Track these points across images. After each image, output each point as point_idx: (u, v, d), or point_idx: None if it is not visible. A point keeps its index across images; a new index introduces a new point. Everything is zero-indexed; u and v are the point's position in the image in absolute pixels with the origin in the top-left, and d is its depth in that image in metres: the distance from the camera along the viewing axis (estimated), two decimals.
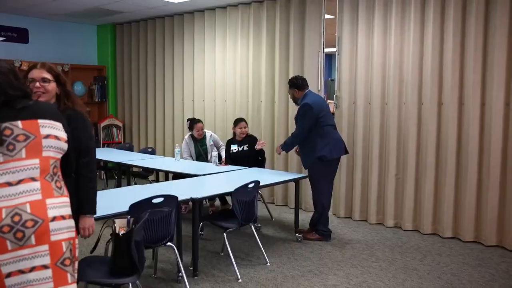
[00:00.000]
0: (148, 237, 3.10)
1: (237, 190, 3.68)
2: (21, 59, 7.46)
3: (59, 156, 1.86)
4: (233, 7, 6.53)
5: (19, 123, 1.74)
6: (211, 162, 5.43)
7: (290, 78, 4.94)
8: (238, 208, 3.71)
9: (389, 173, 5.22)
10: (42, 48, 7.87)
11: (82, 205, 2.30)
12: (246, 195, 3.76)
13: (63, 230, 1.74)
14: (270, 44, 6.17)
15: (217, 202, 5.80)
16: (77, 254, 1.89)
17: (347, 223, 5.42)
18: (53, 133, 1.82)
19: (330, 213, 5.68)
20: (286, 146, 4.84)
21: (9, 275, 1.64)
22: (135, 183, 6.30)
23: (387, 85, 5.22)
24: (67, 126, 1.92)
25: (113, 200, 3.50)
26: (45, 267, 1.67)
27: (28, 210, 1.66)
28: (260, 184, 3.98)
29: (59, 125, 1.86)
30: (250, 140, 5.55)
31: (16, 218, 1.64)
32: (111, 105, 8.62)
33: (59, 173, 1.86)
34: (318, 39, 5.79)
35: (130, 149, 6.85)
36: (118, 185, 5.68)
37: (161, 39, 7.61)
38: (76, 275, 1.83)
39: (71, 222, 1.82)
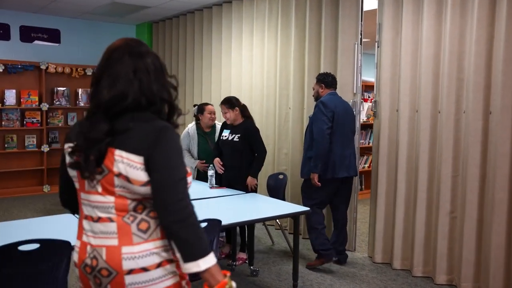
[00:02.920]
0: None
1: None
2: (52, 61, 7.04)
3: (140, 197, 1.43)
4: None
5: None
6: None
7: (320, 72, 4.22)
8: None
9: (441, 209, 3.74)
10: (75, 49, 7.42)
11: None
12: None
13: (145, 283, 1.40)
14: (300, 38, 4.95)
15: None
16: None
17: (383, 272, 4.01)
18: (124, 171, 1.39)
19: (365, 254, 4.44)
20: (314, 165, 3.87)
21: None
22: None
23: (440, 87, 3.76)
24: (156, 156, 1.39)
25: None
26: None
27: (104, 257, 1.42)
28: (225, 222, 2.84)
29: (136, 160, 1.38)
30: (245, 130, 4.08)
31: (94, 262, 1.44)
32: None
33: (149, 210, 1.44)
34: (355, 27, 4.46)
35: None
36: None
37: (191, 37, 6.74)
38: None
39: (161, 272, 1.42)
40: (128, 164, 1.38)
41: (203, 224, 2.66)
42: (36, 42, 7.10)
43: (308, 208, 3.52)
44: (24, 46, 7.01)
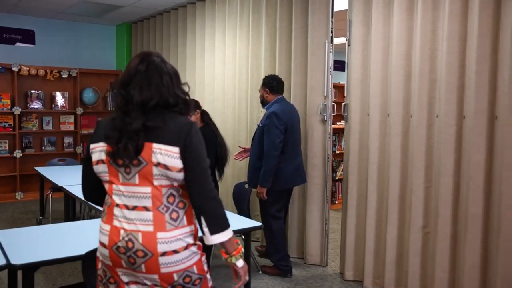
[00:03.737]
0: None
1: (90, 254, 2.25)
2: (27, 63, 6.78)
3: (174, 183, 1.67)
4: None
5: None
6: None
7: (266, 75, 4.06)
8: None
9: (413, 223, 3.39)
10: (50, 50, 7.14)
11: None
12: None
13: (175, 263, 1.64)
14: (271, 36, 4.62)
15: None
16: (205, 269, 1.74)
17: None
18: (162, 161, 1.62)
19: (337, 270, 4.08)
20: (264, 179, 3.75)
21: (128, 283, 1.71)
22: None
23: (412, 88, 3.41)
24: (189, 146, 1.65)
25: None
26: (157, 286, 1.68)
27: (140, 240, 1.63)
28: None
29: (174, 150, 1.63)
30: (205, 132, 3.65)
31: (130, 244, 1.63)
32: None
33: (178, 201, 1.69)
34: (325, 24, 4.13)
35: None
36: (66, 217, 4.51)
37: (167, 37, 6.44)
38: None
39: (188, 252, 1.67)
40: (167, 154, 1.61)
41: None
42: (9, 43, 6.85)
43: (260, 224, 3.18)
44: None
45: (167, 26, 6.43)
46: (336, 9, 4.12)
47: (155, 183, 1.63)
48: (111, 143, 1.64)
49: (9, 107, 6.67)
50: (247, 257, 3.14)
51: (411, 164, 3.40)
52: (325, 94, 4.15)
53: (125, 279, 1.70)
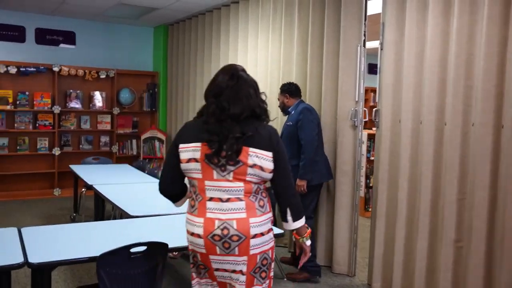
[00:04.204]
0: None
1: (103, 256, 2.24)
2: (68, 64, 6.99)
3: (261, 181, 1.93)
4: None
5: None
6: None
7: (282, 84, 4.16)
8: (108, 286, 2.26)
9: (444, 237, 3.22)
10: (90, 51, 7.32)
11: None
12: (125, 266, 2.29)
13: (260, 245, 1.91)
14: (302, 39, 4.54)
15: None
16: (273, 256, 2.02)
17: None
18: (258, 163, 1.88)
19: (365, 281, 3.98)
20: (305, 172, 3.72)
21: (217, 269, 1.96)
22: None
23: (447, 95, 3.25)
24: (279, 151, 1.93)
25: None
26: (242, 272, 1.92)
27: (235, 226, 1.88)
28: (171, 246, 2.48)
29: (268, 154, 1.90)
30: None
31: (225, 232, 1.88)
32: (162, 116, 7.73)
33: (261, 191, 1.96)
34: (357, 27, 4.00)
35: (142, 167, 5.77)
36: (96, 216, 4.57)
37: (202, 39, 6.48)
38: (265, 278, 1.98)
39: (269, 236, 1.95)
40: (262, 158, 1.87)
41: (143, 248, 2.34)
42: (51, 44, 7.07)
43: (282, 231, 3.10)
44: (39, 49, 6.98)
45: (201, 28, 6.46)
46: (369, 12, 3.99)
47: (247, 179, 1.88)
48: (213, 147, 1.86)
49: (49, 106, 6.88)
50: None
51: (444, 175, 3.24)
52: (357, 99, 4.02)
53: (214, 265, 1.93)
